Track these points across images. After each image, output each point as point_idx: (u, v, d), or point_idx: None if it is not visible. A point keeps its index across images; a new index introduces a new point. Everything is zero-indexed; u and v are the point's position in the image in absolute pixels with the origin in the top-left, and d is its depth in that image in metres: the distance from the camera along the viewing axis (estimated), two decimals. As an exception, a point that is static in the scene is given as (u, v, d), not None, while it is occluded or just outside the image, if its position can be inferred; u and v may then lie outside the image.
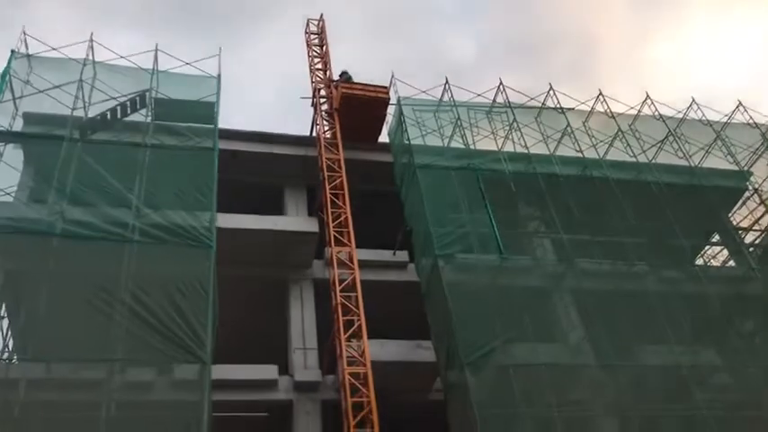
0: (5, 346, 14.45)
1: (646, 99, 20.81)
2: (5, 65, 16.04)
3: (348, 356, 14.50)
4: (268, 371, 15.32)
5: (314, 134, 19.27)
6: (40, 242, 13.14)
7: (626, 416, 14.01)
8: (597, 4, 64.68)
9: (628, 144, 19.87)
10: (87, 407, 11.35)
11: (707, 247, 20.57)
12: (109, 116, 16.26)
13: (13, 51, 16.44)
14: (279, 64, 63.21)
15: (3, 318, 14.38)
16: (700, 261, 19.96)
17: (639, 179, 18.93)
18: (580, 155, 19.14)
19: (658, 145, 20.10)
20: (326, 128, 19.23)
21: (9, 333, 14.62)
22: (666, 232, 17.44)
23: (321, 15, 22.16)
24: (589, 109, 20.55)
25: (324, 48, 21.39)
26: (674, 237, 17.42)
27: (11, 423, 11.20)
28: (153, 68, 17.18)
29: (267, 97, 59.81)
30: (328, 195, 17.15)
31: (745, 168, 20.45)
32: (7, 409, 11.34)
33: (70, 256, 13.08)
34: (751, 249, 19.50)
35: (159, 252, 13.60)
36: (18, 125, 15.70)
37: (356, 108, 19.08)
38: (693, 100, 20.97)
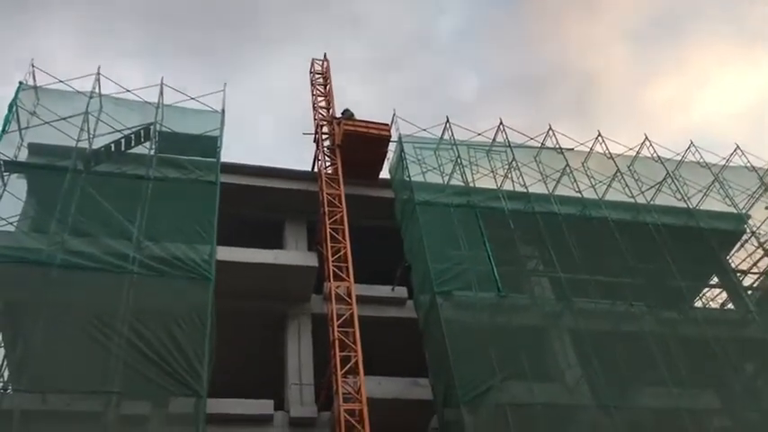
0: (1, 375, 14.39)
1: (644, 141, 21.06)
2: (12, 96, 16.30)
3: (344, 393, 14.41)
4: (263, 406, 15.21)
5: (315, 169, 19.44)
6: (40, 272, 13.15)
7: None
8: (598, 43, 65.67)
9: (626, 185, 20.04)
10: (83, 439, 11.28)
11: (705, 289, 20.58)
12: (113, 148, 16.44)
13: (20, 83, 16.70)
14: (280, 98, 63.88)
15: (0, 347, 14.33)
16: (698, 303, 19.95)
17: (638, 220, 19.04)
18: (579, 195, 19.30)
19: (657, 186, 20.26)
20: (328, 163, 19.42)
21: (5, 363, 14.56)
22: (664, 273, 17.50)
23: (325, 55, 22.65)
24: (588, 149, 20.77)
25: (327, 87, 21.73)
26: (672, 278, 17.46)
27: (4, 454, 11.12)
28: (158, 102, 17.42)
29: (267, 130, 60.27)
30: (328, 230, 17.23)
31: (744, 211, 20.58)
32: (0, 440, 11.28)
33: (69, 286, 13.10)
34: (749, 292, 19.54)
35: (158, 284, 13.64)
36: (23, 155, 15.87)
37: (358, 145, 19.29)
38: (692, 143, 21.26)
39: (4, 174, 14.97)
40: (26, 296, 13.40)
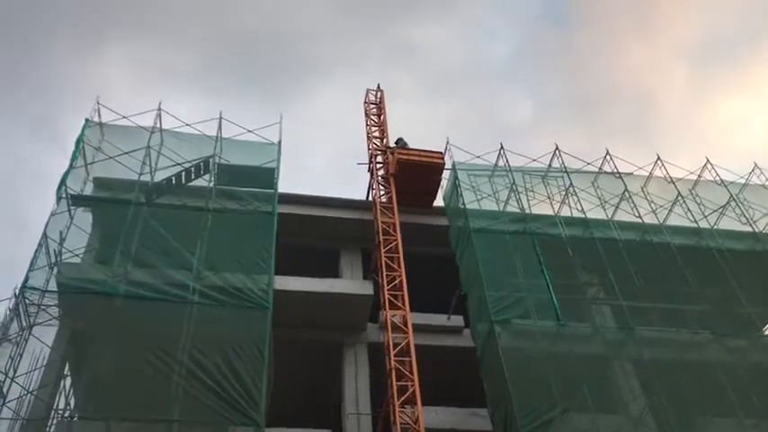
0: (67, 403, 14.77)
1: (706, 164, 20.55)
2: (79, 132, 16.97)
3: (402, 423, 14.27)
4: (321, 436, 15.19)
5: (370, 198, 19.56)
6: (104, 302, 13.54)
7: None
8: (656, 64, 64.45)
9: (688, 209, 19.53)
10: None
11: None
12: (174, 181, 16.91)
13: (86, 120, 17.37)
14: (333, 126, 64.73)
15: (67, 376, 14.73)
16: (768, 330, 19.18)
17: (701, 245, 18.52)
18: (639, 220, 18.89)
19: (720, 210, 19.70)
20: (382, 192, 19.51)
21: (71, 391, 14.96)
22: (731, 299, 16.91)
23: (378, 86, 22.86)
24: (647, 173, 20.36)
25: (381, 117, 21.93)
26: (738, 304, 16.86)
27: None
28: (217, 135, 17.87)
29: (320, 158, 61.07)
30: (383, 258, 17.26)
31: (813, 234, 19.77)
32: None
33: (132, 316, 13.43)
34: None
35: (217, 313, 13.86)
36: (88, 189, 16.45)
37: (412, 173, 19.35)
38: (756, 164, 20.63)
39: (71, 207, 15.50)
40: (91, 325, 13.79)
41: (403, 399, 14.60)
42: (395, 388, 14.74)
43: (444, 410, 15.34)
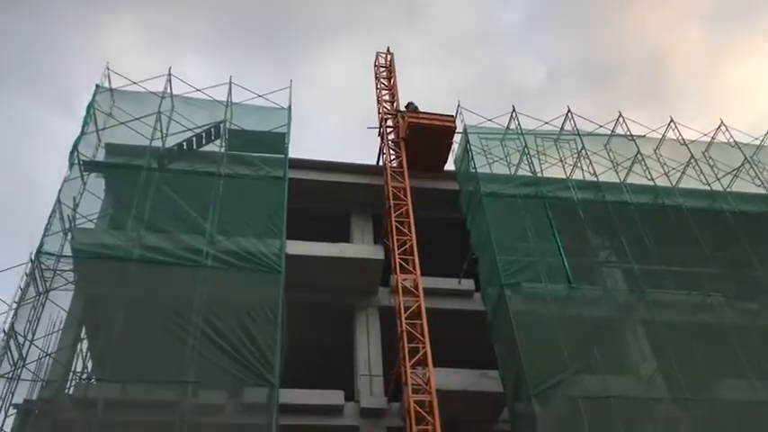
0: (85, 366, 15.06)
1: (720, 126, 20.32)
2: (90, 99, 16.97)
3: (413, 384, 14.45)
4: (335, 396, 15.42)
5: (380, 163, 19.52)
6: (119, 267, 13.69)
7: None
8: (669, 27, 63.33)
9: (701, 171, 19.38)
10: (161, 427, 11.70)
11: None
12: (185, 147, 16.93)
13: (97, 86, 17.35)
14: (343, 91, 64.25)
15: (83, 339, 14.98)
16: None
17: (714, 207, 18.42)
18: (651, 183, 18.78)
19: (734, 172, 19.54)
20: (393, 157, 19.46)
21: (88, 355, 15.23)
22: (743, 262, 16.87)
23: (388, 48, 22.66)
24: (660, 136, 20.18)
25: (392, 80, 21.77)
26: (751, 267, 16.80)
27: (90, 441, 11.64)
28: (227, 101, 17.82)
29: (330, 123, 60.76)
30: (394, 223, 17.29)
31: (829, 196, 19.60)
32: (87, 427, 11.81)
33: (146, 280, 13.60)
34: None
35: (231, 277, 13.99)
36: (100, 155, 16.51)
37: (423, 137, 19.25)
38: (771, 126, 20.35)
39: (84, 173, 15.58)
40: (106, 290, 13.97)
41: (414, 360, 14.76)
42: (406, 350, 14.90)
43: (455, 372, 15.48)
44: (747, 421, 14.03)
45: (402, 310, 15.61)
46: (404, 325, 15.35)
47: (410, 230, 17.23)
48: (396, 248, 16.79)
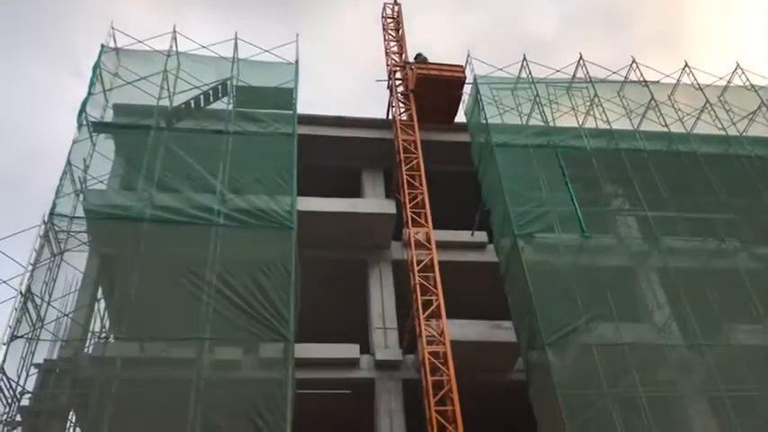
0: (102, 325, 15.27)
1: (736, 69, 19.88)
2: (96, 59, 16.83)
3: (427, 336, 14.56)
4: (350, 350, 15.58)
5: (390, 116, 19.33)
6: (131, 227, 13.76)
7: (715, 397, 13.56)
8: (684, -29, 61.62)
9: (716, 117, 19.05)
10: (179, 384, 11.86)
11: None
12: (192, 105, 16.81)
13: (102, 46, 17.18)
14: (351, 44, 63.25)
15: (99, 299, 15.15)
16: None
17: (729, 153, 18.16)
18: (665, 129, 18.49)
19: (749, 117, 19.18)
20: (402, 110, 19.25)
21: (105, 314, 15.42)
22: (758, 208, 16.69)
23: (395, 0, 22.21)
24: (674, 81, 19.79)
25: (400, 31, 21.42)
26: (766, 212, 16.62)
27: (109, 398, 11.84)
28: (233, 57, 17.62)
29: (339, 77, 60.01)
30: (405, 177, 17.20)
31: None
32: (106, 385, 12.01)
33: (159, 240, 13.66)
34: None
35: (243, 235, 14.03)
36: (108, 116, 16.45)
37: (432, 88, 18.99)
38: (788, 68, 19.91)
39: (93, 134, 15.55)
40: (120, 250, 14.06)
41: (428, 312, 14.85)
42: (419, 302, 14.97)
43: (469, 323, 15.57)
44: (761, 366, 14.06)
45: (415, 264, 15.63)
46: (417, 278, 15.39)
47: (421, 184, 17.15)
48: (407, 202, 16.74)
